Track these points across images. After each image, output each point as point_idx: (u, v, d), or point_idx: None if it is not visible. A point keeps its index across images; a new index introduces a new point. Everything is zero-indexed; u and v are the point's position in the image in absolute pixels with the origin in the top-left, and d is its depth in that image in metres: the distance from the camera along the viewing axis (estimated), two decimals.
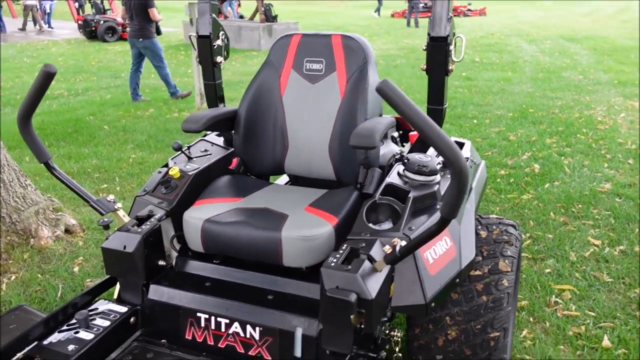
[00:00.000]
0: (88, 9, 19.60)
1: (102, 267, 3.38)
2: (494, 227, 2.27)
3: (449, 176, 2.20)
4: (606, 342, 2.58)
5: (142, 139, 6.29)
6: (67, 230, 3.77)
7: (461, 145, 2.49)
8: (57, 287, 3.14)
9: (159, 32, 8.29)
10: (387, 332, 1.93)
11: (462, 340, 2.03)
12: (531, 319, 2.78)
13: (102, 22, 18.09)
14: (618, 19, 22.02)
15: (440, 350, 2.06)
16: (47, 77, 1.81)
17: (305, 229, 1.90)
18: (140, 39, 7.89)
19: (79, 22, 18.85)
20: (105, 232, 2.04)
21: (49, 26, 22.96)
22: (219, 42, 2.55)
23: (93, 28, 18.08)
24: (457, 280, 1.94)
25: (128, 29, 8.12)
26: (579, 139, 5.79)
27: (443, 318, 2.05)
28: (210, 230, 1.99)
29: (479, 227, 2.26)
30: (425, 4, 21.82)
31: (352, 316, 1.64)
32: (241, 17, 19.97)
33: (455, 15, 21.49)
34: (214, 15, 2.52)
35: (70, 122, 7.06)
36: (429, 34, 2.15)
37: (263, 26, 14.98)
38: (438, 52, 2.14)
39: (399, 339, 1.96)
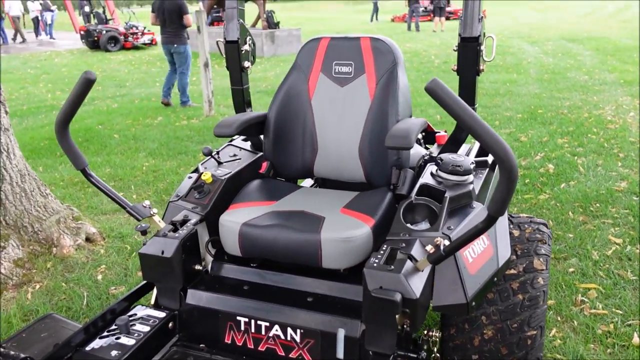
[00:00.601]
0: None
1: (125, 274, 3.39)
2: (526, 225, 2.27)
3: (481, 175, 2.21)
4: (636, 340, 2.58)
5: (153, 146, 6.30)
6: (88, 239, 3.78)
7: None
8: (82, 296, 3.15)
9: None
10: (425, 332, 1.94)
11: (498, 340, 2.03)
12: (559, 318, 2.79)
13: (104, 32, 18.21)
14: (617, 19, 22.08)
15: (476, 349, 2.06)
16: (87, 84, 1.82)
17: (344, 231, 1.91)
18: (175, 45, 8.16)
19: (82, 32, 18.94)
20: (143, 238, 2.05)
21: (51, 37, 23.09)
22: (246, 47, 2.57)
23: (95, 38, 18.22)
24: (495, 279, 1.94)
25: (161, 36, 8.35)
26: (591, 138, 5.80)
27: (479, 317, 2.05)
28: (249, 233, 1.99)
29: (511, 226, 2.26)
30: (425, 8, 21.90)
31: (397, 316, 1.64)
32: None
33: (455, 19, 21.41)
34: (241, 20, 2.53)
35: (80, 132, 7.08)
36: (460, 35, 2.16)
37: (266, 33, 15.03)
38: (469, 52, 2.15)
39: (437, 339, 1.96)
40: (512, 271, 2.09)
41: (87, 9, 18.88)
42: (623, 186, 4.42)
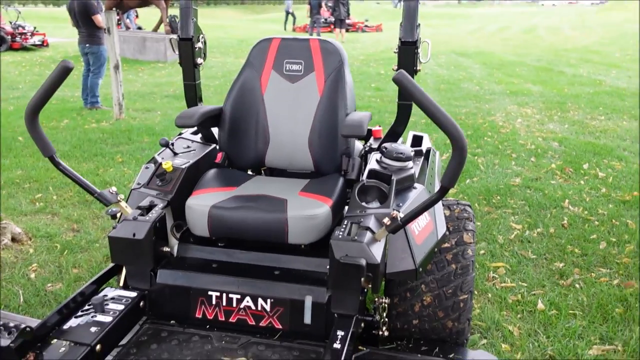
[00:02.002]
0: None
1: (60, 272, 3.37)
2: (455, 206, 2.61)
3: (418, 162, 2.52)
4: (540, 306, 3.01)
5: (65, 149, 6.13)
6: (14, 239, 3.67)
7: (420, 138, 2.83)
8: (17, 294, 3.09)
9: None
10: (376, 299, 2.20)
11: (436, 305, 2.33)
12: (476, 292, 3.16)
13: None
14: (499, 37, 24.03)
15: (417, 315, 2.35)
16: (63, 73, 1.90)
17: (307, 210, 2.13)
18: (88, 45, 8.04)
19: None
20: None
21: None
22: (199, 44, 2.70)
23: None
24: (436, 249, 2.24)
25: (78, 36, 8.21)
26: (487, 141, 6.43)
27: (419, 286, 2.34)
28: (218, 215, 2.14)
29: (442, 207, 2.59)
30: (326, 19, 22.57)
31: (362, 279, 1.88)
32: (139, 28, 19.54)
33: (353, 31, 22.00)
34: (194, 18, 2.67)
35: None
36: (400, 39, 2.46)
37: (169, 37, 14.79)
38: (408, 54, 2.46)
39: (386, 305, 2.23)
40: (446, 245, 2.41)
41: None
42: (518, 181, 5.00)
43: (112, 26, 7.54)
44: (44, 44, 18.18)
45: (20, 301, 3.03)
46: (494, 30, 27.69)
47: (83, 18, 7.88)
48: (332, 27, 21.48)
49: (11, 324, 1.68)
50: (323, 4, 21.47)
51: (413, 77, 2.51)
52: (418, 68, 2.51)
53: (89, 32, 7.98)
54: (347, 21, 22.27)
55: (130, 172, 5.30)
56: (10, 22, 17.94)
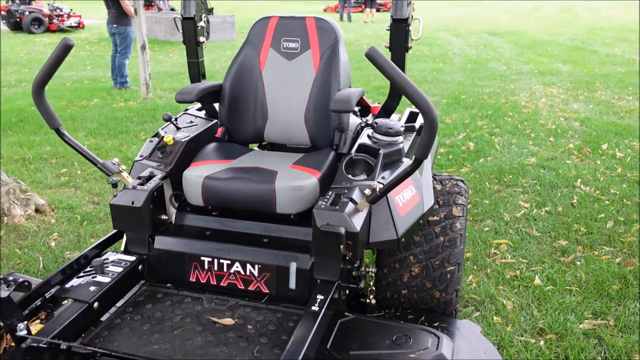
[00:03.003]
0: None
1: (79, 241, 3.56)
2: (447, 181, 2.67)
3: (409, 138, 2.58)
4: (537, 281, 3.05)
5: (92, 126, 6.36)
6: (37, 210, 3.89)
7: (416, 114, 2.88)
8: (37, 260, 3.30)
9: None
10: (363, 268, 2.29)
11: (423, 275, 2.41)
12: (475, 267, 3.22)
13: (27, 12, 17.49)
14: (534, 16, 23.47)
15: (405, 285, 2.43)
16: (65, 49, 2.03)
17: (295, 181, 2.23)
18: (116, 25, 8.30)
19: (3, 12, 18.08)
20: (113, 191, 2.28)
21: None
22: (201, 23, 2.81)
23: (18, 19, 17.49)
24: (421, 221, 2.31)
25: (107, 17, 8.48)
26: (507, 121, 6.39)
27: (407, 257, 2.42)
28: (211, 185, 2.26)
29: (434, 182, 2.65)
30: None
31: (341, 246, 1.98)
32: (172, 9, 19.81)
33: (384, 11, 21.82)
34: None
35: (12, 113, 6.98)
36: (392, 16, 2.52)
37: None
38: (400, 31, 2.51)
39: (373, 274, 2.32)
40: (435, 218, 2.48)
41: None
42: (533, 161, 4.98)
43: (138, 7, 7.72)
44: (80, 26, 18.63)
45: (40, 267, 3.23)
46: (529, 9, 26.99)
47: (113, 1, 8.08)
48: (363, 6, 21.33)
49: (10, 278, 1.84)
50: None
51: (404, 54, 2.59)
52: (410, 45, 2.56)
53: (118, 12, 8.18)
54: (378, 0, 22.08)
55: None
56: (48, 4, 18.42)
